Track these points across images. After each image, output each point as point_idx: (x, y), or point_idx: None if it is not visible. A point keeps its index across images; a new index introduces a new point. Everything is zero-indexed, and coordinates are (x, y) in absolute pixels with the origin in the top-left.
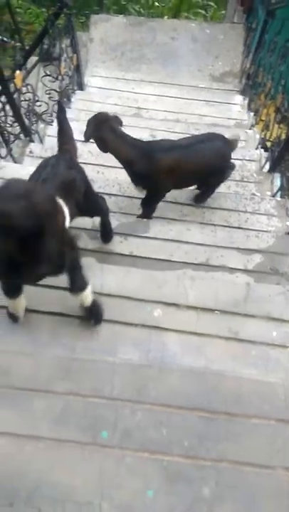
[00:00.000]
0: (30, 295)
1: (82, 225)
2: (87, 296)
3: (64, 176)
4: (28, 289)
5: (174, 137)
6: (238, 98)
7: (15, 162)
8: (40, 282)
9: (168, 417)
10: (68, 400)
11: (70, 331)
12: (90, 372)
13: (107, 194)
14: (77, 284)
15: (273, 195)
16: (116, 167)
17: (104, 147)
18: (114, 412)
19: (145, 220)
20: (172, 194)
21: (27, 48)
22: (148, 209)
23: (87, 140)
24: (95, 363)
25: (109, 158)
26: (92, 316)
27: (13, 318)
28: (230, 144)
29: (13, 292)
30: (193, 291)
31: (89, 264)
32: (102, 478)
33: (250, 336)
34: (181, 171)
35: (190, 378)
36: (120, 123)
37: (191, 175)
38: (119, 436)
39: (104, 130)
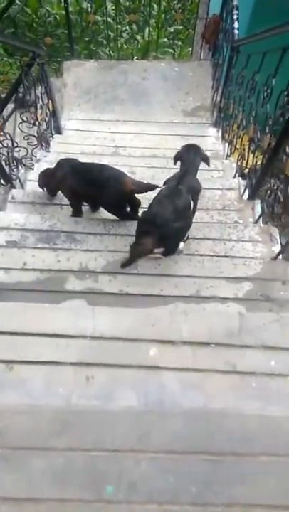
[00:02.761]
0: (20, 346)
1: (70, 268)
2: None
3: None
4: (14, 341)
5: (153, 171)
6: (212, 130)
7: None
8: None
9: (173, 463)
10: (68, 456)
11: (64, 379)
12: (89, 423)
13: (92, 234)
14: None
15: (256, 222)
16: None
17: None
18: (118, 465)
19: None
20: None
21: (2, 96)
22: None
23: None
24: (94, 414)
25: None
26: None
27: None
28: (124, 185)
29: None
30: (187, 326)
31: (79, 307)
32: None
33: (248, 367)
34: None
35: (192, 420)
36: None
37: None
38: (125, 489)
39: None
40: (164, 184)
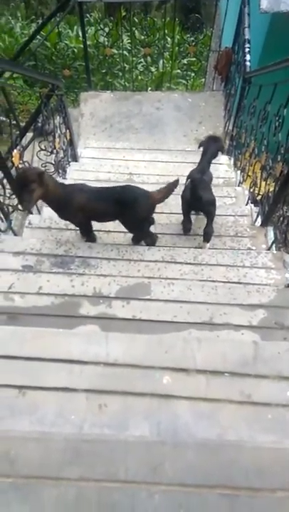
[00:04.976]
0: (33, 372)
1: (84, 293)
2: None
3: None
4: (28, 366)
5: None
6: (224, 158)
7: (15, 234)
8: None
9: (187, 497)
10: (81, 486)
11: (77, 406)
12: (102, 453)
13: (105, 259)
14: None
15: (269, 248)
16: (113, 231)
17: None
18: (131, 497)
19: (147, 282)
20: (170, 253)
21: (22, 125)
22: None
23: None
24: (106, 443)
25: (107, 223)
26: None
27: None
28: (152, 198)
29: None
30: (201, 354)
31: (93, 333)
32: None
33: (263, 398)
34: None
35: (207, 452)
36: None
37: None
38: None
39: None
40: (188, 177)
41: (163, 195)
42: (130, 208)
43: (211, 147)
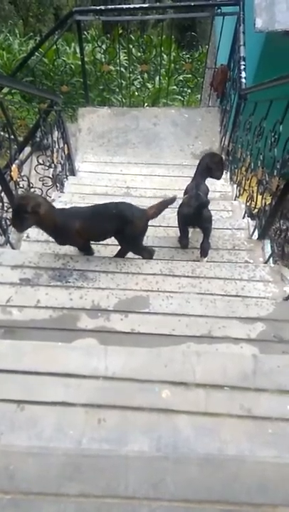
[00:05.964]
0: (32, 386)
1: (82, 306)
2: None
3: None
4: (26, 380)
5: (164, 211)
6: None
7: (13, 248)
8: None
9: None
10: (80, 502)
11: (76, 420)
12: (102, 469)
13: (103, 272)
14: None
15: (266, 262)
16: (111, 244)
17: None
18: None
19: (145, 295)
20: (168, 266)
21: (20, 139)
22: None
23: None
24: (106, 458)
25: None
26: None
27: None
28: (147, 213)
29: None
30: (200, 367)
31: (92, 347)
32: None
33: (264, 412)
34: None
35: (208, 467)
36: None
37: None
38: None
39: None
40: (184, 193)
41: (157, 210)
42: (127, 224)
43: (202, 162)
